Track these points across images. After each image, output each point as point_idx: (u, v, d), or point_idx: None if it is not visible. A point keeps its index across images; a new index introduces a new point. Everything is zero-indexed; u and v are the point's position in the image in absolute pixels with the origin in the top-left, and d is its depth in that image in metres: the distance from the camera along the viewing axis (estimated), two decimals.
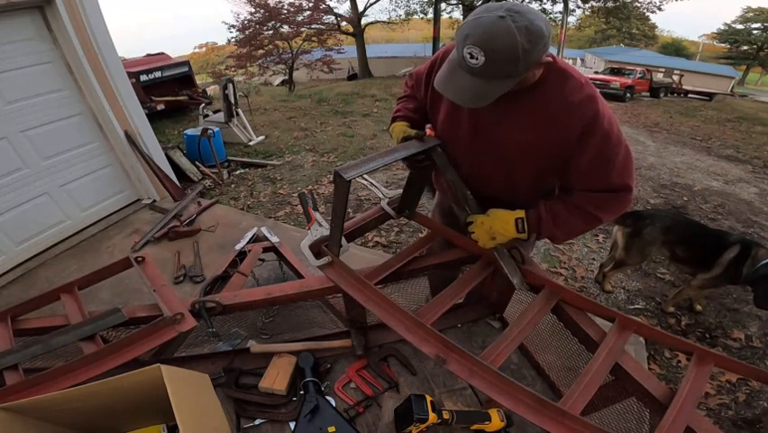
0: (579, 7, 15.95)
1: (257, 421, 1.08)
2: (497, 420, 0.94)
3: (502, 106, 1.03)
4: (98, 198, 3.42)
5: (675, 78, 15.80)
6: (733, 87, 20.36)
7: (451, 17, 17.14)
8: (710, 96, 14.34)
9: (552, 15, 15.43)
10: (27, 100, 2.83)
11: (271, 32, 13.64)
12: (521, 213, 1.09)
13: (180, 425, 0.74)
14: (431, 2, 15.64)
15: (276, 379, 1.13)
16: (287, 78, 14.82)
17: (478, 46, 0.83)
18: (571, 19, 18.63)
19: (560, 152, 1.02)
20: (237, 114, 5.55)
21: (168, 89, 6.89)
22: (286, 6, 13.58)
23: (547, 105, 0.99)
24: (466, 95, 0.92)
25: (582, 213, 1.06)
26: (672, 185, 4.65)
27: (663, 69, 17.84)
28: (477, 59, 0.84)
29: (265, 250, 1.66)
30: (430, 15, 15.40)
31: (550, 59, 0.94)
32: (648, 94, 13.90)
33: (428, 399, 0.93)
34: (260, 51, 13.90)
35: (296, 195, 3.96)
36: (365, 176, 1.28)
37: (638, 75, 13.29)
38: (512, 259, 1.14)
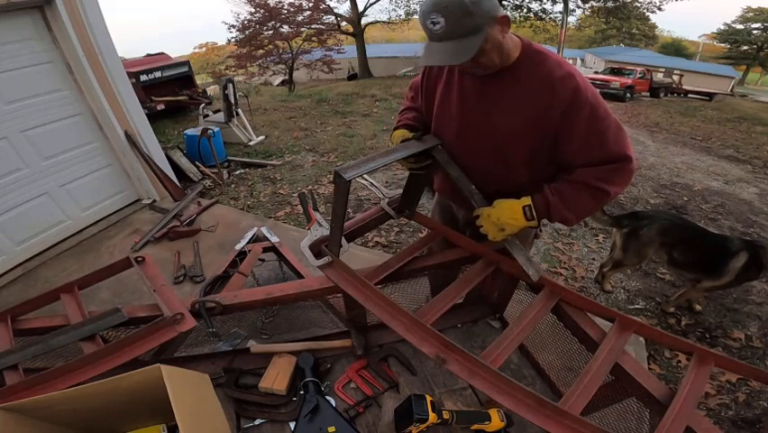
0: (579, 7, 15.95)
1: (257, 421, 1.08)
2: (497, 420, 0.94)
3: (487, 94, 1.08)
4: (98, 197, 3.43)
5: (675, 78, 15.80)
6: (733, 87, 20.36)
7: None
8: (710, 96, 14.33)
9: (552, 15, 15.44)
10: (27, 100, 2.83)
11: (271, 32, 13.65)
12: (527, 200, 1.09)
13: (180, 425, 0.74)
14: None
15: (276, 379, 1.13)
16: (287, 78, 14.83)
17: (434, 11, 0.90)
18: (571, 19, 18.65)
19: (547, 128, 1.05)
20: (237, 114, 5.55)
21: (168, 89, 6.88)
22: (286, 6, 13.60)
23: (529, 84, 1.03)
24: (443, 56, 0.96)
25: (588, 188, 1.06)
26: (671, 185, 4.65)
27: (663, 69, 17.83)
28: (438, 23, 0.91)
29: (265, 250, 1.67)
30: None
31: (516, 38, 1.03)
32: (648, 94, 13.90)
33: (428, 399, 0.92)
34: (260, 51, 13.91)
35: (296, 195, 3.96)
36: (365, 176, 1.28)
37: (638, 75, 13.29)
38: (524, 250, 1.13)
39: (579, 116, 1.00)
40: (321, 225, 1.23)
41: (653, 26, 27.28)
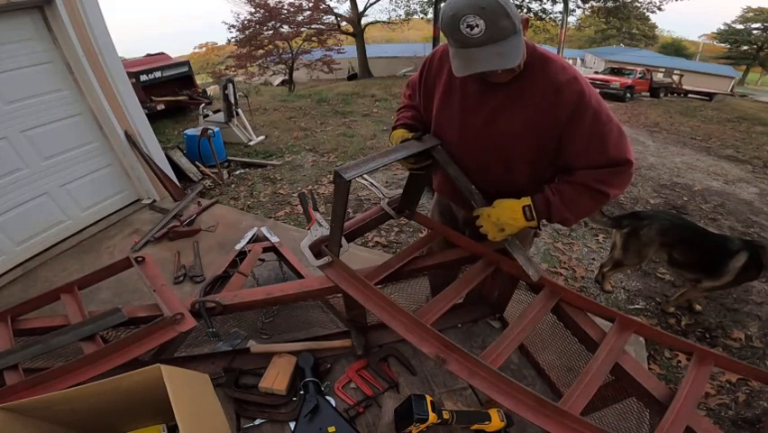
0: (579, 7, 15.96)
1: (257, 421, 1.08)
2: (497, 420, 0.94)
3: (490, 96, 1.08)
4: (98, 197, 3.43)
5: (675, 78, 15.80)
6: (733, 87, 20.36)
7: None
8: (710, 96, 14.34)
9: (552, 15, 15.44)
10: (27, 100, 2.83)
11: (271, 32, 13.63)
12: (527, 200, 1.10)
13: (180, 425, 0.74)
14: (431, 2, 15.64)
15: (276, 379, 1.13)
16: (287, 78, 14.82)
17: (471, 13, 0.86)
18: (571, 19, 18.69)
19: (550, 131, 1.05)
20: (237, 114, 5.55)
21: (168, 89, 6.88)
22: (286, 6, 13.58)
23: (533, 88, 1.02)
24: (489, 60, 0.91)
25: (588, 190, 1.07)
26: (671, 185, 4.65)
27: (663, 69, 17.82)
28: (477, 26, 0.86)
29: (265, 250, 1.66)
30: (430, 15, 15.42)
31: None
32: (648, 94, 13.90)
33: (428, 399, 0.93)
34: (260, 51, 13.89)
35: (296, 195, 3.96)
36: (365, 176, 1.28)
37: (638, 75, 13.30)
38: (524, 250, 1.13)
39: (582, 120, 1.00)
40: (321, 225, 1.23)
41: (653, 26, 27.32)
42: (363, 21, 16.82)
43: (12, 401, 0.81)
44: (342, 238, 1.18)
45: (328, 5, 15.12)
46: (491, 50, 0.89)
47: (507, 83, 1.04)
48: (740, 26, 27.02)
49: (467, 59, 0.93)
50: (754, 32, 26.68)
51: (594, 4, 16.16)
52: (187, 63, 7.49)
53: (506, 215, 1.09)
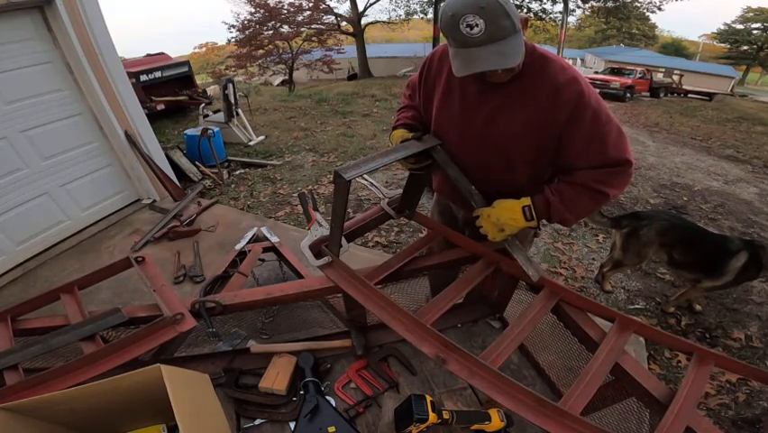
0: (579, 7, 15.98)
1: (257, 421, 1.08)
2: (497, 420, 0.94)
3: (490, 96, 1.08)
4: (98, 197, 3.43)
5: (675, 78, 15.80)
6: (733, 87, 20.36)
7: None
8: (710, 96, 14.34)
9: (552, 15, 15.45)
10: (27, 100, 2.83)
11: (271, 32, 13.64)
12: (527, 200, 1.10)
13: (180, 425, 0.74)
14: (431, 2, 15.65)
15: (276, 379, 1.13)
16: (287, 78, 14.82)
17: (471, 13, 0.85)
18: (571, 19, 18.71)
19: (550, 131, 1.05)
20: (237, 114, 5.55)
21: (168, 89, 6.88)
22: (286, 6, 13.59)
23: (533, 88, 1.03)
24: (490, 60, 0.91)
25: (587, 190, 1.07)
26: (671, 185, 4.65)
27: (663, 69, 17.81)
28: (477, 25, 0.86)
29: (265, 250, 1.66)
30: (430, 15, 15.42)
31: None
32: (648, 94, 13.91)
33: (428, 399, 0.92)
34: (260, 51, 13.90)
35: (296, 195, 3.96)
36: (365, 176, 1.28)
37: (638, 75, 13.30)
38: (524, 250, 1.13)
39: (582, 121, 1.01)
40: (321, 225, 1.23)
41: (653, 26, 27.36)
42: (363, 21, 16.83)
43: (12, 401, 0.81)
44: (342, 238, 1.18)
45: (328, 5, 15.12)
46: (491, 49, 0.89)
47: (507, 83, 1.04)
48: (740, 26, 27.03)
49: (467, 59, 0.93)
50: (754, 32, 26.68)
51: (594, 4, 16.19)
52: (187, 63, 7.49)
53: (505, 215, 1.09)
